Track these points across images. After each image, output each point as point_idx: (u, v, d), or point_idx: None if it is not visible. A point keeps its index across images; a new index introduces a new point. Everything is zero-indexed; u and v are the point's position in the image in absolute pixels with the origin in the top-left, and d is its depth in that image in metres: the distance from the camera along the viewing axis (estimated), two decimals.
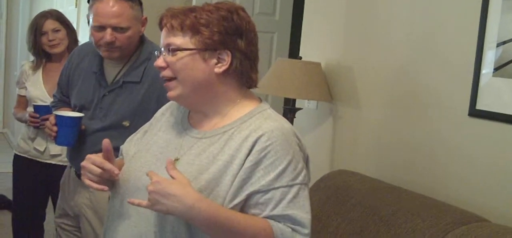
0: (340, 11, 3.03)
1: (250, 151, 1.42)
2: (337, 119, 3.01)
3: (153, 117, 1.73)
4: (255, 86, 1.57)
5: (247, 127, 1.48)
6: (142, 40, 2.35)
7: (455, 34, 2.34)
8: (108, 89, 2.30)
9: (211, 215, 1.37)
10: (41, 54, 3.23)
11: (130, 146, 1.70)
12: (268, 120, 1.49)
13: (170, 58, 1.49)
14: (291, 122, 3.01)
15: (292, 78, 2.91)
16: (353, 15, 2.95)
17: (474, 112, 2.23)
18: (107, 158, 1.53)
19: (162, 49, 1.52)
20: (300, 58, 3.14)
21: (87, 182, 1.52)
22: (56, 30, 3.18)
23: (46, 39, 3.17)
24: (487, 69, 2.20)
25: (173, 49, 1.48)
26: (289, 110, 3.05)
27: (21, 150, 3.24)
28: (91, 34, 2.26)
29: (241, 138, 1.46)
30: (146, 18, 2.33)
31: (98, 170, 1.50)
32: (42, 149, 3.16)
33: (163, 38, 1.52)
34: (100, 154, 1.53)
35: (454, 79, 2.33)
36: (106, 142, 1.52)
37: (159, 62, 1.52)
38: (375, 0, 2.79)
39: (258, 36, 1.56)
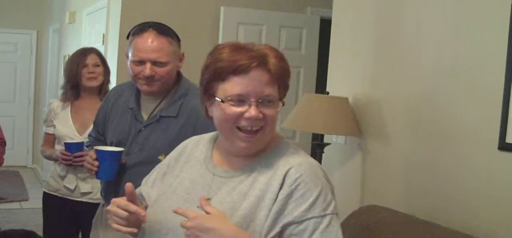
0: (367, 44, 3.05)
1: (282, 184, 1.45)
2: (366, 153, 3.00)
3: (169, 158, 1.73)
4: None
5: (273, 162, 1.51)
6: (179, 76, 2.39)
7: (484, 64, 2.34)
8: (144, 124, 2.33)
9: None
10: (74, 87, 3.29)
11: (149, 189, 1.69)
12: (294, 155, 1.52)
13: (269, 111, 1.48)
14: (320, 157, 3.01)
15: (319, 113, 2.92)
16: (380, 49, 2.96)
17: (504, 146, 2.22)
18: (131, 201, 1.52)
19: (252, 99, 1.47)
20: (327, 93, 3.15)
21: (115, 226, 1.51)
22: (96, 65, 3.28)
23: (86, 71, 3.25)
24: None
25: (270, 100, 1.49)
26: (317, 145, 3.05)
27: (51, 188, 3.27)
28: (130, 68, 2.31)
29: (270, 172, 1.48)
30: (183, 54, 2.37)
31: (125, 213, 1.49)
32: (72, 187, 3.18)
33: (260, 85, 1.47)
34: (124, 197, 1.53)
35: (483, 110, 2.32)
36: (128, 186, 1.52)
37: (255, 113, 1.46)
38: (402, 33, 2.81)
39: None
